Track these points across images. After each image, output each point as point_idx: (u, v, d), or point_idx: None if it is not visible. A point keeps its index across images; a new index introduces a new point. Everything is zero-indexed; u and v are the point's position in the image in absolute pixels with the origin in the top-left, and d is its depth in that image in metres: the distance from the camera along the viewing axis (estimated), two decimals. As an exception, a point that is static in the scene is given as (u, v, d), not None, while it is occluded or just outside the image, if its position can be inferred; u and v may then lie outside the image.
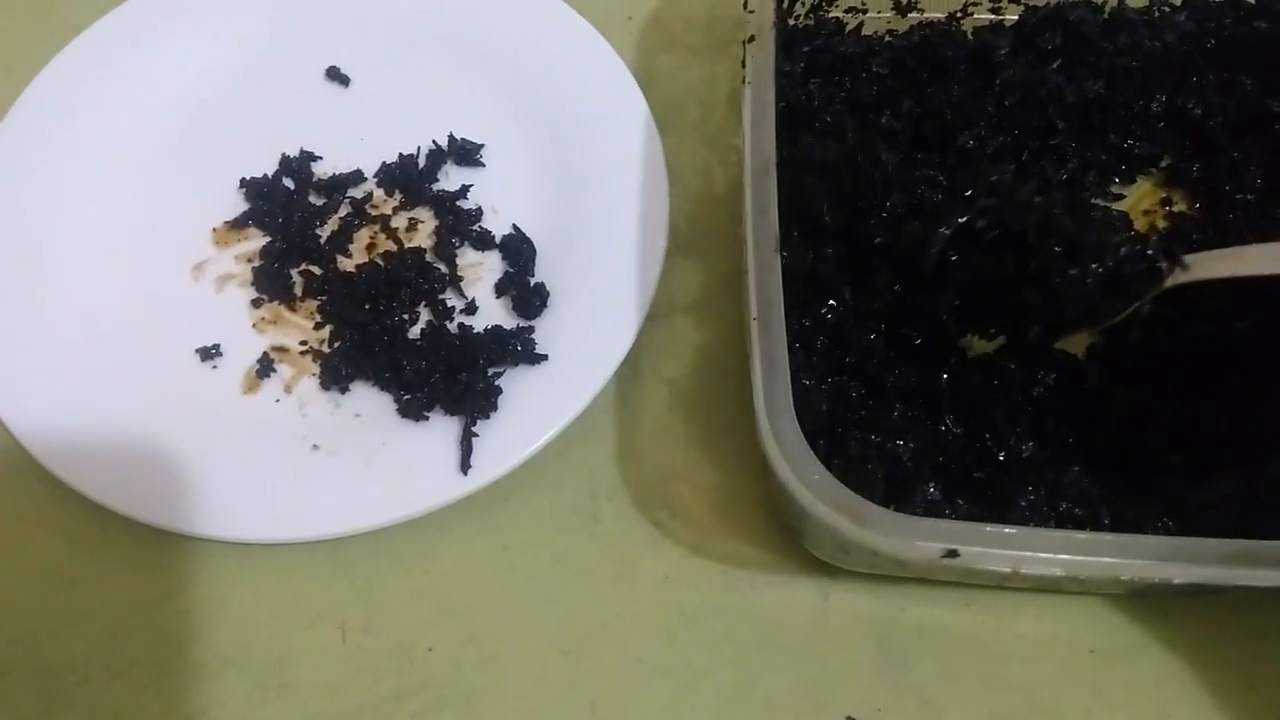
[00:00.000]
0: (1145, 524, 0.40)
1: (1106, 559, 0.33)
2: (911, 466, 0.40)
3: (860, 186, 0.44)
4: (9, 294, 0.50)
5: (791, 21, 0.53)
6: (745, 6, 0.45)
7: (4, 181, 0.52)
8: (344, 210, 0.52)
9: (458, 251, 0.51)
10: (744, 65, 0.44)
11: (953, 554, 0.33)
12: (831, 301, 0.44)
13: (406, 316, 0.50)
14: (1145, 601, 0.43)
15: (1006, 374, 0.45)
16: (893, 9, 0.55)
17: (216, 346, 0.49)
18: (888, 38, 0.54)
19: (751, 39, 0.44)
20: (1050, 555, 0.33)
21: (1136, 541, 0.34)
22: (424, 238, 0.52)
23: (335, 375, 0.48)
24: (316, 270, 0.51)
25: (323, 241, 0.52)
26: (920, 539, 0.33)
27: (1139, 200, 0.52)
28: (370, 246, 0.52)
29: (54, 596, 0.45)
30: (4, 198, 0.52)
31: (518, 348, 0.48)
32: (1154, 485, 0.41)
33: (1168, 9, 0.54)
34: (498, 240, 0.51)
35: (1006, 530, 0.33)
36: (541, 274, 0.50)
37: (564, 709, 0.43)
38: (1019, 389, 0.44)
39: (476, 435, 0.46)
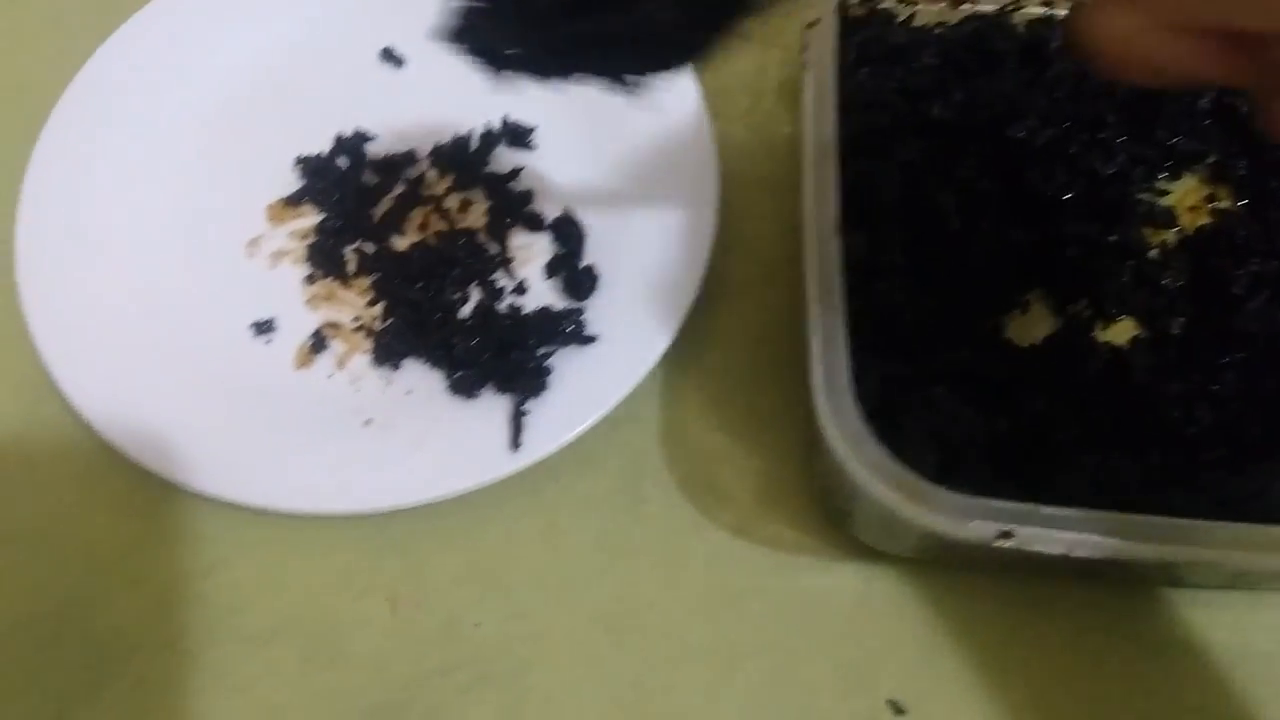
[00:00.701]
0: (1190, 514, 0.40)
1: (1157, 544, 0.34)
2: (962, 450, 0.41)
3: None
4: (67, 267, 0.50)
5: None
6: (805, -8, 0.46)
7: (62, 157, 0.53)
8: (398, 190, 0.53)
9: (509, 233, 0.52)
10: (804, 49, 0.44)
11: (1007, 535, 0.34)
12: (885, 285, 0.44)
13: (458, 296, 0.50)
14: (1184, 592, 0.44)
15: (1053, 362, 0.45)
16: (944, 0, 0.55)
17: (270, 321, 0.50)
18: (938, 29, 0.55)
19: (814, 24, 0.44)
20: (1102, 539, 0.34)
21: (1190, 525, 0.34)
22: (476, 219, 0.52)
23: (387, 352, 0.49)
24: (370, 248, 0.52)
25: (376, 220, 0.52)
26: (976, 518, 0.34)
27: (1185, 196, 0.52)
28: (423, 226, 0.52)
29: (106, 564, 0.46)
30: (62, 173, 0.52)
31: (568, 329, 0.48)
32: (1199, 477, 0.41)
33: (1219, 6, 0.54)
34: (548, 222, 0.52)
35: (1062, 511, 0.34)
36: (591, 257, 0.51)
37: (608, 686, 0.43)
38: (1066, 377, 0.45)
39: (527, 413, 0.46)
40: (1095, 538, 0.33)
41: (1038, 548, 0.34)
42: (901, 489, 0.34)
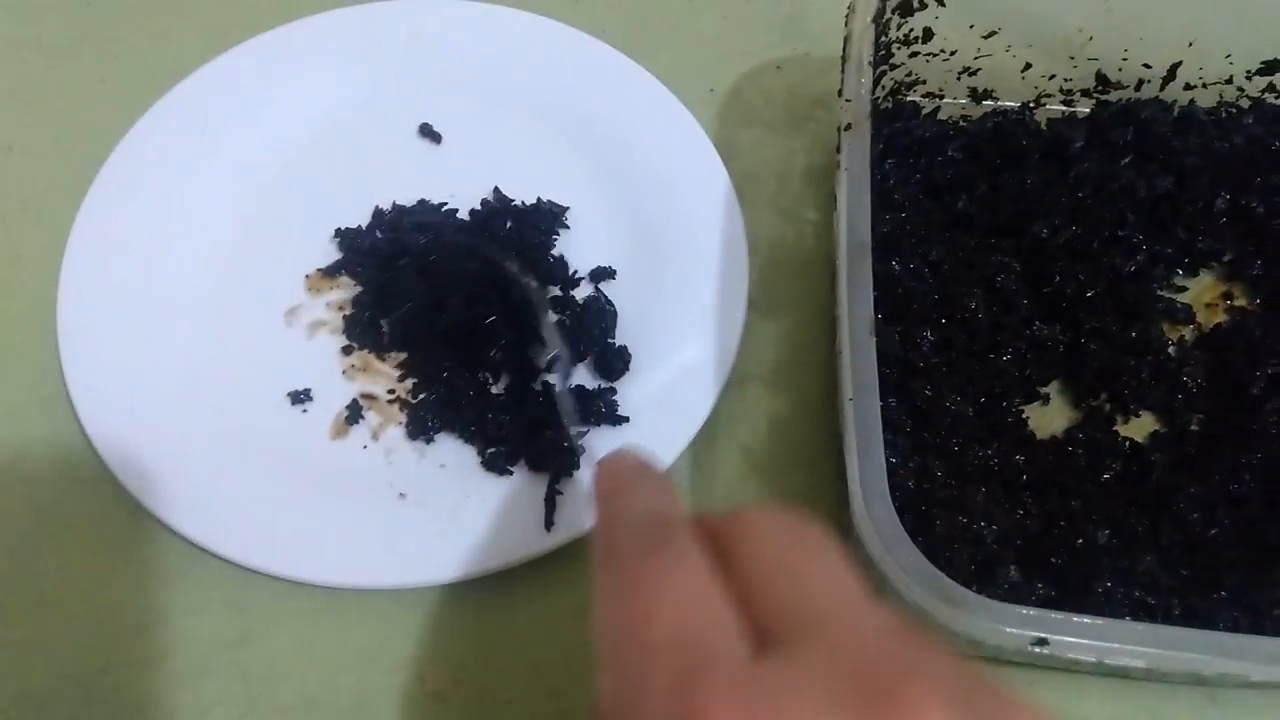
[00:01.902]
0: (1215, 617, 0.41)
1: (1189, 654, 0.35)
2: (995, 548, 0.42)
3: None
4: (107, 331, 0.51)
5: (871, 104, 0.55)
6: (840, 94, 0.47)
7: (105, 222, 0.54)
8: (432, 265, 0.54)
9: (541, 311, 0.53)
10: (839, 151, 0.46)
11: (1042, 642, 0.35)
12: (919, 383, 0.45)
13: (490, 373, 0.51)
14: (1206, 690, 0.45)
15: (1076, 456, 0.47)
16: (968, 96, 0.57)
17: (307, 391, 0.51)
18: (962, 123, 0.56)
19: (848, 127, 0.46)
20: (1135, 648, 0.35)
21: (1219, 638, 0.35)
22: (508, 296, 0.53)
23: (421, 426, 0.50)
24: (403, 323, 0.53)
25: (410, 295, 0.53)
26: (1012, 626, 0.34)
27: (1201, 293, 0.54)
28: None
29: (144, 631, 0.46)
30: (105, 238, 0.54)
31: (601, 408, 0.49)
32: (1221, 581, 0.43)
33: (1235, 110, 0.56)
34: (580, 301, 0.53)
35: (1096, 622, 0.35)
36: (623, 338, 0.52)
37: (638, 767, 0.44)
38: (1089, 473, 0.46)
39: (560, 493, 0.47)
40: (1128, 647, 0.34)
41: (1071, 655, 0.35)
42: (938, 594, 0.35)
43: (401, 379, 0.52)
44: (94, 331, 0.51)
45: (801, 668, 0.23)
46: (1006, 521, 0.43)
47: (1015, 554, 0.42)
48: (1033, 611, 0.35)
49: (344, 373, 0.52)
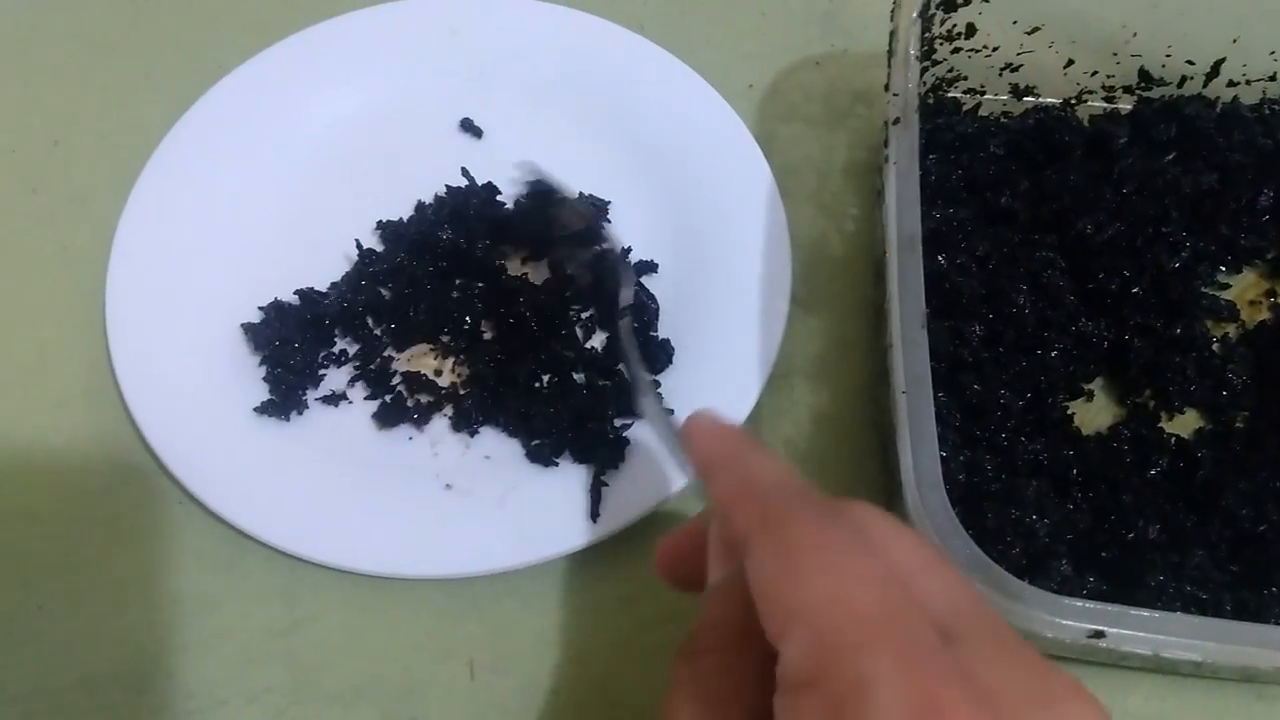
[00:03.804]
0: (1267, 613, 0.41)
1: (1247, 648, 0.35)
2: (1047, 541, 0.42)
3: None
4: (154, 320, 0.52)
5: (912, 100, 0.55)
6: (887, 88, 0.48)
7: (151, 215, 0.55)
8: (474, 257, 0.54)
9: (583, 304, 0.53)
10: (886, 145, 0.46)
11: (1099, 635, 0.35)
12: (968, 377, 0.45)
13: (534, 365, 0.51)
14: (1255, 687, 0.45)
15: (1122, 454, 0.47)
16: (1010, 93, 0.57)
17: (352, 382, 0.51)
18: (1003, 119, 0.56)
19: (896, 120, 0.46)
20: (1192, 641, 0.35)
21: (1277, 633, 0.35)
22: (550, 289, 0.54)
23: (466, 418, 0.50)
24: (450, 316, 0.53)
25: (455, 287, 0.53)
26: (1069, 619, 0.35)
27: (1245, 290, 0.54)
28: (499, 295, 0.53)
29: (194, 619, 0.47)
30: (151, 232, 0.54)
31: (645, 401, 0.49)
32: (1273, 575, 0.42)
33: (1279, 108, 0.55)
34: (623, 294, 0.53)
35: (1155, 615, 0.35)
36: (665, 331, 0.52)
37: (684, 758, 0.44)
38: (1136, 470, 0.46)
39: (606, 484, 0.47)
40: (1185, 640, 0.34)
41: (1127, 648, 0.35)
42: (994, 585, 0.35)
43: (438, 373, 0.52)
44: (142, 322, 0.52)
45: (1001, 665, 0.25)
46: (1057, 515, 0.43)
47: (1067, 548, 0.42)
48: (1090, 604, 0.35)
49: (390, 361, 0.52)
